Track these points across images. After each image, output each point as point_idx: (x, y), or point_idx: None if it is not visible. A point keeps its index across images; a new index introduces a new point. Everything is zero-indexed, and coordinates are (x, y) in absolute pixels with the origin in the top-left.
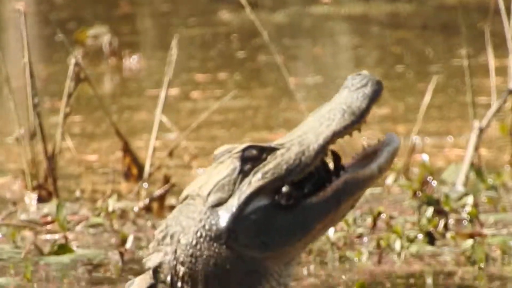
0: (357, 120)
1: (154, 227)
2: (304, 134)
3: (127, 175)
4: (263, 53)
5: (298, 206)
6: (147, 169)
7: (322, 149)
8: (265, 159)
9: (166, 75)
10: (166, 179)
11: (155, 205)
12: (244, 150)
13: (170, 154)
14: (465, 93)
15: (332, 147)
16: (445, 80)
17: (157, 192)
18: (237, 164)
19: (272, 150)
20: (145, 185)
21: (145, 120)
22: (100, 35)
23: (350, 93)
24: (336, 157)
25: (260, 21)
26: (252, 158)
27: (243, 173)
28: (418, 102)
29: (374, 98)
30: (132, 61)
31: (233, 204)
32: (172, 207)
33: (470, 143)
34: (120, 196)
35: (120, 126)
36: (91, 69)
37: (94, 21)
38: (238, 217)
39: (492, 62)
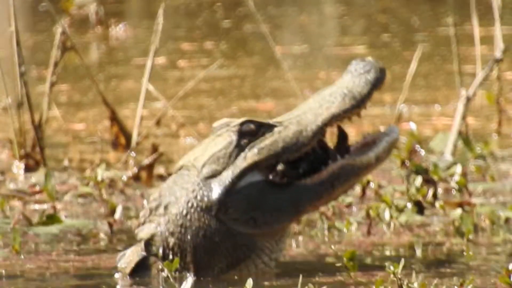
0: (357, 105)
1: (143, 196)
2: (303, 114)
3: (114, 144)
4: (249, 22)
5: (292, 185)
6: (134, 138)
7: (320, 130)
8: (262, 135)
9: (153, 44)
10: (154, 148)
11: (143, 174)
12: (242, 124)
13: (158, 123)
14: (451, 62)
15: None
16: (431, 49)
17: (146, 161)
18: (233, 137)
19: (270, 126)
20: (133, 154)
21: (132, 89)
22: (86, 4)
23: (353, 78)
24: (344, 137)
25: None
26: (249, 133)
27: (239, 147)
28: (405, 70)
29: (377, 84)
30: (118, 30)
31: (227, 177)
32: (160, 176)
33: (457, 112)
34: (108, 165)
35: (107, 95)
36: (77, 38)
37: None
38: (230, 190)
39: (477, 31)
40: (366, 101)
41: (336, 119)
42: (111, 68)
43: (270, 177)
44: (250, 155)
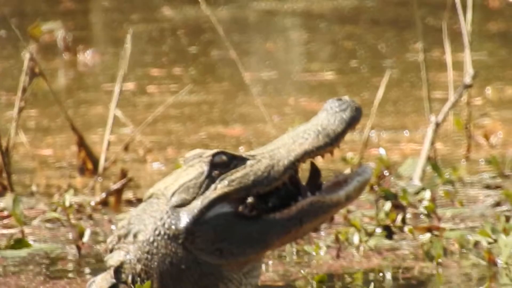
0: (331, 142)
1: (111, 221)
2: (276, 149)
3: (82, 170)
4: (215, 48)
5: (260, 219)
6: (101, 163)
7: (292, 166)
8: (234, 167)
9: (121, 70)
10: (123, 173)
11: (111, 200)
12: (214, 155)
13: (126, 148)
14: (419, 88)
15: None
16: (399, 75)
17: (114, 186)
18: (205, 168)
19: (242, 159)
20: (100, 179)
21: (101, 115)
22: (54, 30)
23: (328, 116)
24: (316, 174)
25: (203, 17)
26: (221, 164)
27: (210, 178)
28: (374, 97)
29: (351, 123)
30: (86, 56)
31: (196, 206)
32: (129, 201)
33: (426, 137)
34: (75, 191)
35: (76, 120)
36: (45, 64)
37: (36, 17)
38: (198, 220)
39: (449, 57)
40: (340, 139)
41: (308, 155)
42: (80, 94)
43: (240, 209)
44: (221, 187)
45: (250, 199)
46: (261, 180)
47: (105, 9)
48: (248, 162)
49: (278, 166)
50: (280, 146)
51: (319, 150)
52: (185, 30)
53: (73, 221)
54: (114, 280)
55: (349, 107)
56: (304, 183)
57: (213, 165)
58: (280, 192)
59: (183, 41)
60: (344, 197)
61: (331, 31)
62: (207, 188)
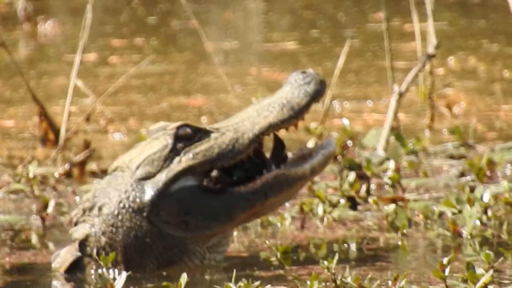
0: (295, 115)
1: (74, 192)
2: (241, 121)
3: (43, 141)
4: (175, 18)
5: (225, 192)
6: (62, 134)
7: (256, 138)
8: (199, 140)
9: (81, 40)
10: (86, 144)
11: (75, 171)
12: (178, 128)
13: (87, 119)
14: (381, 58)
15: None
16: (361, 45)
17: (78, 157)
18: (169, 141)
19: (206, 132)
20: (60, 150)
21: (63, 86)
22: (14, 0)
23: (292, 89)
24: (280, 147)
25: None
26: (185, 137)
27: (175, 151)
28: (336, 66)
29: (316, 96)
30: (47, 27)
31: (160, 179)
32: (92, 172)
33: (390, 107)
34: (37, 162)
35: (38, 91)
36: (5, 35)
37: None
38: (162, 193)
39: (417, 26)
40: (304, 112)
41: (273, 128)
42: (42, 65)
43: (204, 182)
44: (185, 159)
45: (214, 172)
46: (225, 153)
47: None
48: (213, 135)
49: (242, 139)
50: (245, 119)
51: (284, 123)
52: (139, 1)
53: (37, 193)
54: (79, 253)
55: (313, 80)
56: (268, 156)
57: (177, 137)
58: (244, 165)
59: (140, 12)
60: (309, 170)
61: (288, 1)
62: (171, 161)
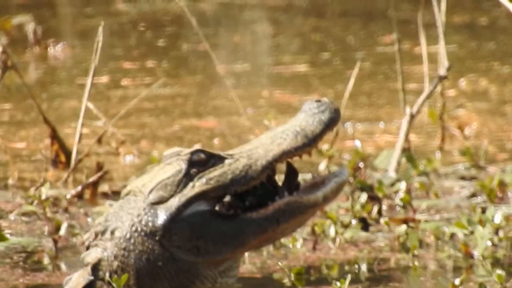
0: (309, 143)
1: (86, 214)
2: (254, 148)
3: (55, 163)
4: (184, 41)
5: (237, 218)
6: (74, 156)
7: (270, 165)
8: (213, 166)
9: (93, 63)
10: (99, 166)
11: (87, 193)
12: (192, 153)
13: (99, 141)
14: (392, 80)
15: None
16: (372, 67)
17: (90, 179)
18: (183, 166)
19: (220, 158)
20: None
21: (75, 108)
22: (25, 23)
23: (306, 117)
24: (293, 174)
25: (160, 11)
26: (199, 163)
27: (188, 176)
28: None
29: (330, 125)
30: (57, 50)
31: (173, 204)
32: (104, 194)
33: (401, 129)
34: (49, 184)
35: (49, 114)
36: (16, 58)
37: None
38: (175, 218)
39: (425, 48)
40: (318, 140)
41: (286, 155)
42: (54, 88)
43: (217, 207)
44: (198, 185)
45: (227, 198)
46: (238, 179)
47: (58, 3)
48: (226, 161)
49: (256, 165)
50: (258, 146)
51: (297, 150)
52: (146, 24)
53: (49, 215)
54: (91, 277)
55: (327, 108)
56: (280, 183)
57: (191, 163)
58: (257, 192)
59: (148, 35)
60: (322, 198)
61: (295, 24)
62: (185, 186)
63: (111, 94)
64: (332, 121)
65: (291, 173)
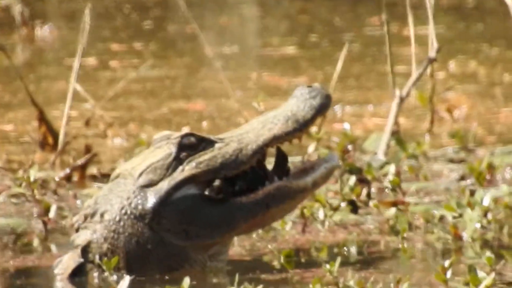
0: (300, 128)
1: (75, 196)
2: (245, 133)
3: (42, 145)
4: (171, 23)
5: (227, 202)
6: (62, 138)
7: (260, 150)
8: (203, 149)
9: (80, 44)
10: (88, 149)
11: (76, 175)
12: (182, 137)
13: (87, 123)
14: (381, 62)
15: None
16: (360, 50)
17: (79, 161)
18: (173, 149)
19: (210, 142)
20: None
21: (63, 90)
22: (11, 4)
23: (298, 103)
24: (283, 159)
25: None
26: (189, 146)
27: (178, 160)
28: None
29: (321, 110)
30: (44, 31)
31: (163, 187)
32: (93, 177)
33: (391, 112)
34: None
35: (37, 96)
36: (3, 39)
37: None
38: (165, 201)
39: (412, 30)
40: (308, 125)
41: (277, 140)
42: (41, 69)
43: (206, 192)
44: (188, 168)
45: (217, 182)
46: (228, 163)
47: None
48: (217, 145)
49: (246, 150)
50: (249, 130)
51: (288, 135)
52: (130, 6)
53: (37, 197)
54: (81, 260)
55: (319, 94)
56: (271, 168)
57: (181, 146)
58: (247, 176)
59: (134, 17)
60: (311, 183)
61: (282, 6)
62: (174, 169)
63: (99, 76)
64: (323, 106)
65: (281, 158)
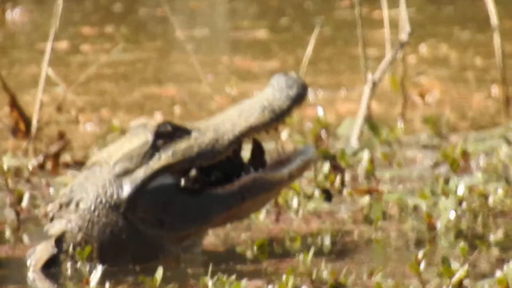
0: (276, 118)
1: (48, 184)
2: (221, 122)
3: (14, 131)
4: (141, 6)
5: (202, 192)
6: (34, 124)
7: (236, 140)
8: (179, 138)
9: (52, 27)
10: (61, 135)
11: (49, 163)
12: (159, 125)
13: (59, 109)
14: (353, 45)
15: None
16: (331, 33)
17: (51, 148)
18: (149, 137)
19: (187, 131)
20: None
21: (35, 74)
22: None
23: (274, 92)
24: (260, 151)
25: None
26: (165, 135)
27: (154, 148)
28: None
29: (297, 101)
30: (15, 14)
31: (138, 176)
32: (66, 164)
33: (363, 96)
34: (8, 153)
35: (9, 80)
36: None
37: None
38: (140, 190)
39: (386, 13)
40: (285, 116)
41: (253, 130)
42: (14, 53)
43: (182, 181)
44: (164, 157)
45: (193, 172)
46: (204, 153)
47: None
48: (193, 134)
49: (222, 140)
50: (225, 120)
51: (264, 125)
52: None
53: (10, 185)
54: (55, 250)
55: (295, 84)
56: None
57: (157, 134)
58: (223, 166)
59: (103, 0)
60: (287, 175)
61: None
62: (150, 157)
63: (71, 59)
64: (300, 96)
65: (257, 149)
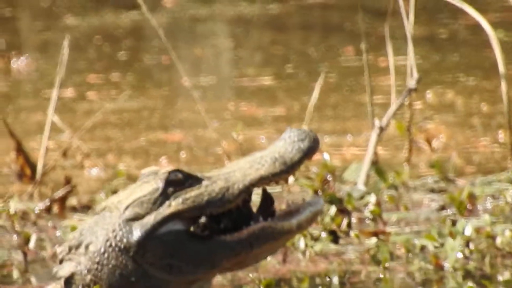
0: (287, 170)
1: (55, 227)
2: (232, 172)
3: (20, 176)
4: (145, 54)
5: (211, 239)
6: (39, 169)
7: (246, 190)
8: (189, 186)
9: (58, 75)
10: (67, 180)
11: (55, 206)
12: (170, 172)
13: (64, 154)
14: (358, 92)
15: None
16: (336, 80)
17: (58, 192)
18: (160, 184)
19: (197, 179)
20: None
21: (41, 121)
22: None
23: (286, 144)
24: (269, 201)
25: (108, 24)
26: (176, 182)
27: (165, 195)
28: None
29: (308, 153)
30: (20, 63)
31: (148, 221)
32: (72, 208)
33: (370, 142)
34: (14, 197)
35: (15, 127)
36: None
37: None
38: (150, 235)
39: (392, 60)
40: (296, 167)
41: (264, 180)
42: (20, 101)
43: (191, 228)
44: (175, 204)
45: (202, 219)
46: (214, 201)
47: (5, 18)
48: (203, 183)
49: (232, 188)
50: (236, 170)
51: (275, 176)
52: (101, 37)
53: (17, 228)
54: None
55: (307, 137)
56: (255, 209)
57: (168, 182)
58: (233, 215)
59: (107, 48)
60: (296, 226)
61: (253, 37)
62: (161, 204)
63: (77, 107)
64: (311, 149)
65: (267, 199)
